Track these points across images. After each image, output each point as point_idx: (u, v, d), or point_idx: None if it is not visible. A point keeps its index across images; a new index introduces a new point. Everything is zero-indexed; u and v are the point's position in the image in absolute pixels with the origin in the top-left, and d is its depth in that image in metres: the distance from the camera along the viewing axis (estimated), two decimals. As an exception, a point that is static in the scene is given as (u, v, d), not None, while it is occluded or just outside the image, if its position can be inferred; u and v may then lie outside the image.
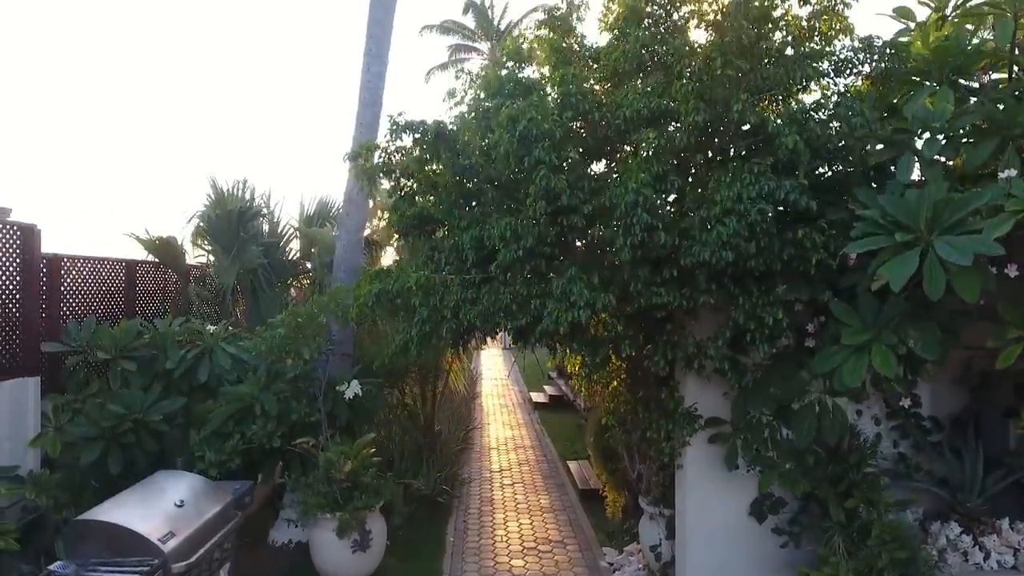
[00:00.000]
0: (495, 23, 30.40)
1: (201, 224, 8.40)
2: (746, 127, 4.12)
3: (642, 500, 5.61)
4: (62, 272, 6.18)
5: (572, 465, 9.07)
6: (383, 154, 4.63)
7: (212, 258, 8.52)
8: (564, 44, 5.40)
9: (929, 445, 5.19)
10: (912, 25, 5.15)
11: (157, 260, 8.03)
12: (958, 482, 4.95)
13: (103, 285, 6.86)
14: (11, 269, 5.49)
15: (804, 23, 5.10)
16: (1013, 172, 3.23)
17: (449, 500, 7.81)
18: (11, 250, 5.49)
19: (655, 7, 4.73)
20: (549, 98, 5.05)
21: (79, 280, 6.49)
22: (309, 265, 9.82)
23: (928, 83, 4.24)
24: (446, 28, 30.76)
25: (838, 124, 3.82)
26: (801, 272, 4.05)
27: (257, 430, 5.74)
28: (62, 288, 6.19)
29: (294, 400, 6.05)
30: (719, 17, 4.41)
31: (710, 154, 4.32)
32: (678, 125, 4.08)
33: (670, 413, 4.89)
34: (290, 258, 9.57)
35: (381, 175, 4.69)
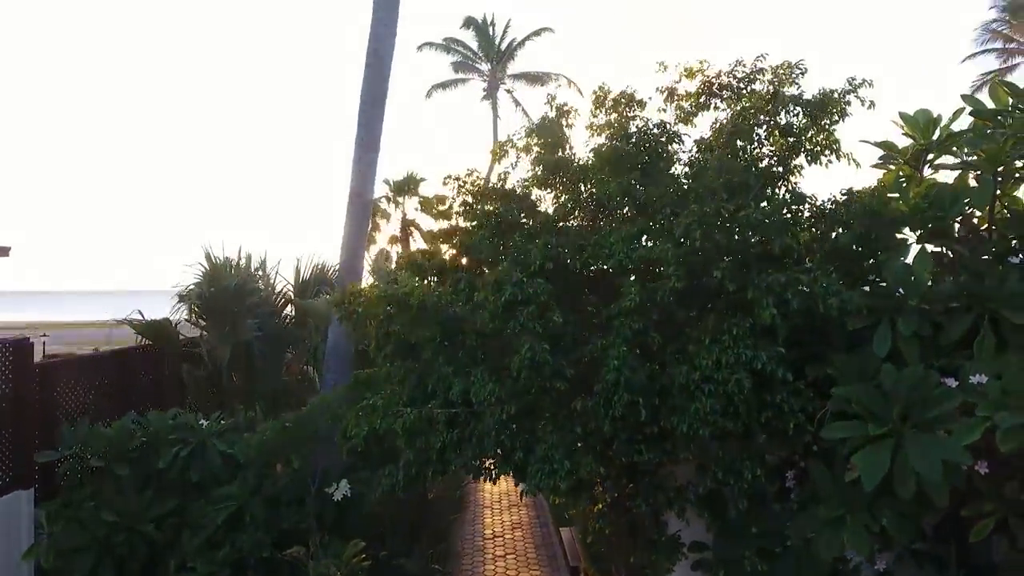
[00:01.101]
0: (496, 43, 30.30)
1: (195, 303, 8.43)
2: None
3: (629, 610, 5.67)
4: (55, 378, 6.23)
5: (564, 533, 9.09)
6: (366, 305, 4.72)
7: (205, 334, 8.56)
8: (553, 157, 5.48)
9: (910, 554, 5.23)
10: (895, 154, 5.20)
11: (151, 344, 8.08)
12: (940, 601, 4.99)
13: (98, 381, 6.91)
14: (4, 388, 5.53)
15: (790, 139, 5.19)
16: (984, 378, 3.29)
17: (441, 581, 7.86)
18: (3, 369, 5.53)
19: (639, 151, 4.80)
20: (534, 224, 5.14)
21: (73, 381, 6.54)
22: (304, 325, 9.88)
23: (908, 239, 4.29)
24: (447, 47, 30.72)
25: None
26: (780, 430, 4.10)
27: (247, 539, 5.80)
28: (56, 392, 6.24)
29: (284, 504, 6.11)
30: (698, 185, 4.48)
31: (690, 309, 4.37)
32: (660, 282, 4.13)
33: (654, 542, 4.95)
34: (285, 324, 9.62)
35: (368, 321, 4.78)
